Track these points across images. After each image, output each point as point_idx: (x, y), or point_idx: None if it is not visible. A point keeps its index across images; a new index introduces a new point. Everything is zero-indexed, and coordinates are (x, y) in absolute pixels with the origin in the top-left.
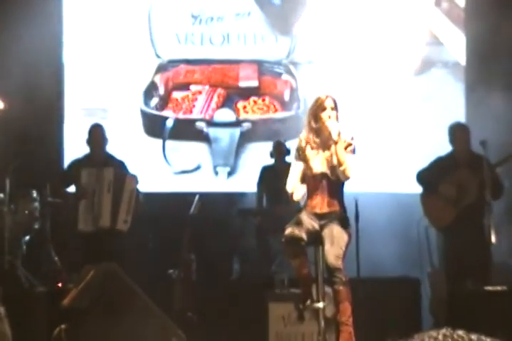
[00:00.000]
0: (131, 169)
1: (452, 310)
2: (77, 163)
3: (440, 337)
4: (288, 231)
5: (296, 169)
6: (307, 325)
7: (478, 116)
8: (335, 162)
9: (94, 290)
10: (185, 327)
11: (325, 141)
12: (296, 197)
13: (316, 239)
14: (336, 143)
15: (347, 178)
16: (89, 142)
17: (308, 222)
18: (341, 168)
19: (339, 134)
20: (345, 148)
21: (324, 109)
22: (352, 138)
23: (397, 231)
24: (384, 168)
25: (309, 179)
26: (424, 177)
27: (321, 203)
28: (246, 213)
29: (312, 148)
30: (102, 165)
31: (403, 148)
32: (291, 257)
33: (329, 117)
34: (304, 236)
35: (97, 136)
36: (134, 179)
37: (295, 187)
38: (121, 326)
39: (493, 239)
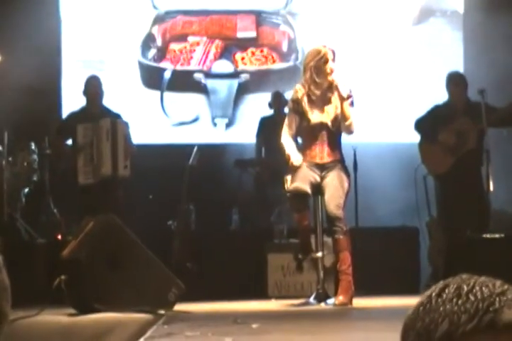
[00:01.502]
0: (129, 121)
1: (450, 258)
2: (73, 116)
3: (476, 280)
4: (293, 186)
5: (289, 122)
6: (306, 275)
7: (476, 65)
8: (336, 114)
9: (94, 241)
10: (185, 277)
11: (325, 93)
12: (297, 163)
13: (317, 189)
14: (343, 98)
15: (351, 133)
16: (85, 93)
17: (310, 174)
18: (347, 123)
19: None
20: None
21: (327, 61)
22: (350, 91)
23: (395, 180)
24: (382, 118)
25: (306, 130)
26: (422, 125)
27: (320, 153)
28: (245, 164)
29: (310, 100)
30: (98, 118)
31: (401, 97)
32: (296, 211)
33: (332, 70)
34: (309, 190)
35: (93, 87)
36: (126, 124)
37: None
38: (121, 277)
39: (491, 186)
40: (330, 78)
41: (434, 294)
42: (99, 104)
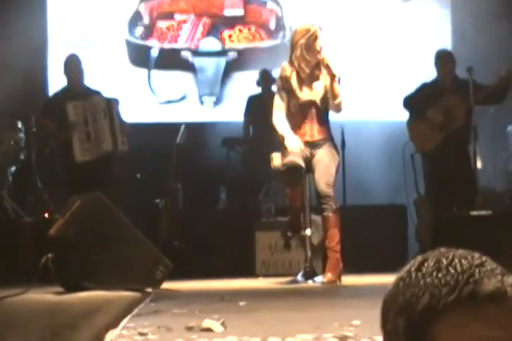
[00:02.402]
0: (120, 99)
1: (438, 235)
2: (57, 96)
3: (455, 253)
4: (288, 159)
5: (279, 100)
6: (294, 253)
7: (464, 42)
8: (325, 92)
9: (81, 219)
10: (172, 255)
11: (313, 71)
12: (296, 149)
13: (307, 166)
14: (334, 76)
15: (339, 111)
16: (66, 73)
17: (301, 150)
18: (336, 101)
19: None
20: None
21: (316, 39)
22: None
23: (383, 158)
24: (369, 96)
25: (296, 108)
26: (410, 102)
27: (310, 130)
28: (232, 142)
29: (299, 77)
30: (82, 96)
31: (389, 75)
32: (290, 185)
33: (321, 48)
34: (303, 164)
35: (74, 66)
36: (117, 102)
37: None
38: (108, 255)
39: (479, 164)
40: (320, 56)
41: (413, 268)
42: (81, 83)
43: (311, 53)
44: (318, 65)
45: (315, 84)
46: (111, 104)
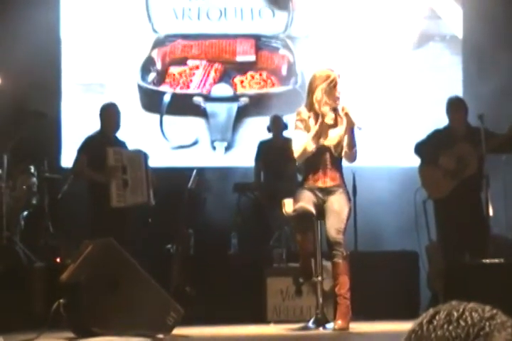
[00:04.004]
0: (130, 144)
1: (450, 283)
2: (95, 140)
3: (466, 306)
4: (299, 205)
5: (300, 136)
6: (305, 299)
7: (476, 89)
8: (340, 140)
9: (92, 265)
10: (183, 301)
11: (332, 119)
12: (310, 148)
13: (318, 212)
14: (352, 125)
15: (353, 161)
16: (103, 120)
17: (313, 196)
18: (351, 152)
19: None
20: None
21: (336, 85)
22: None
23: (394, 204)
24: (381, 142)
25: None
26: (422, 149)
27: (323, 177)
28: (244, 188)
29: (316, 123)
30: (114, 144)
31: (401, 121)
32: (300, 232)
33: (339, 94)
34: (314, 210)
35: (112, 115)
36: (148, 156)
37: (304, 144)
38: (120, 301)
39: (491, 212)
40: (338, 103)
41: (425, 321)
42: (115, 132)
43: (331, 99)
44: (336, 111)
45: (331, 131)
46: (146, 157)
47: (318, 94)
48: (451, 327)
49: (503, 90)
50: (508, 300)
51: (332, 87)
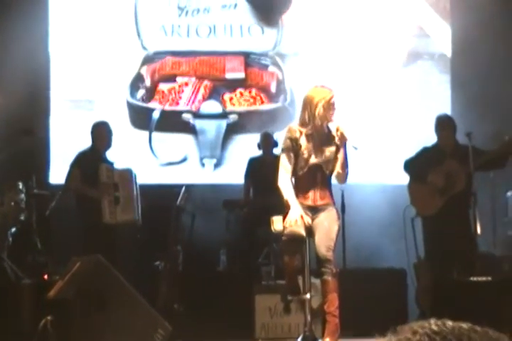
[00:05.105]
0: (118, 161)
1: (437, 300)
2: (86, 156)
3: (433, 326)
4: (290, 229)
5: (287, 161)
6: (293, 317)
7: (464, 107)
8: (331, 158)
9: (80, 281)
10: (172, 318)
11: (325, 137)
12: (294, 218)
13: (308, 230)
14: (344, 144)
15: (343, 182)
16: (94, 137)
17: (302, 218)
18: (343, 172)
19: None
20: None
21: (333, 104)
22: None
23: (383, 222)
24: (371, 159)
25: (303, 171)
26: (411, 166)
27: (313, 195)
28: (233, 205)
29: (309, 140)
30: (103, 162)
31: (389, 139)
32: (288, 254)
33: (335, 112)
34: (304, 233)
35: (103, 133)
36: (136, 175)
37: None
38: (107, 317)
39: (479, 229)
40: (333, 122)
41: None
42: (106, 150)
43: (328, 117)
44: (329, 130)
45: (324, 149)
46: (135, 176)
47: (321, 110)
48: None
49: (490, 109)
50: (496, 318)
51: (331, 105)
